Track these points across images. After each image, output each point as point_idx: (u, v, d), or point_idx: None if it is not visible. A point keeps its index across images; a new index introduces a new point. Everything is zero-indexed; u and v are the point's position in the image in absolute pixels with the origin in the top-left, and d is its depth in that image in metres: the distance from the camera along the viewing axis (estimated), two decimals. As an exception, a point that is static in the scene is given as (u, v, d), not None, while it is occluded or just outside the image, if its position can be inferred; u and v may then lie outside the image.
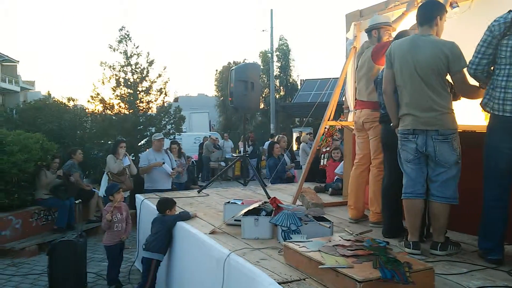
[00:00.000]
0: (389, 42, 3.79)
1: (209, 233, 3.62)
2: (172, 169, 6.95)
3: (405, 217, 3.18)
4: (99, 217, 7.00)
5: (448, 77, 3.00)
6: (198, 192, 5.95)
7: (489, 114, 2.87)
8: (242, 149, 15.18)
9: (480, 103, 2.87)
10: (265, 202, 3.83)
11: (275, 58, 28.44)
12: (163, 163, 6.75)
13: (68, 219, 7.04)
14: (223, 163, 14.45)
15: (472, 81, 3.00)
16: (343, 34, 5.23)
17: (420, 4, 3.20)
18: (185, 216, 4.24)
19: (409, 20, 3.88)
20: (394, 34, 3.87)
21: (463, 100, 3.19)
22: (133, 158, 8.67)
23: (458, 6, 3.48)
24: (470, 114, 3.20)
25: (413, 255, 2.92)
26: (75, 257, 4.73)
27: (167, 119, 10.90)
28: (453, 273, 2.62)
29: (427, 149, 2.99)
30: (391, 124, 3.28)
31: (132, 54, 10.59)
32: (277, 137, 10.44)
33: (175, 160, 7.49)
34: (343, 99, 5.40)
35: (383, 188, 3.70)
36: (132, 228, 5.25)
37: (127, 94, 10.42)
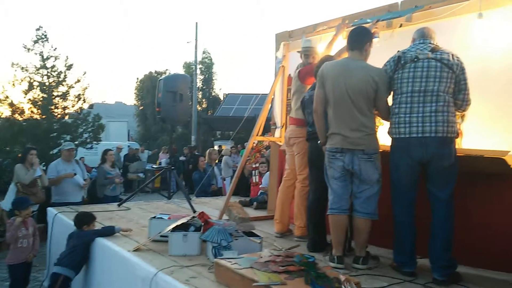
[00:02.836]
0: (316, 64, 4.00)
1: (133, 250, 3.45)
2: (84, 180, 6.50)
3: (331, 232, 3.31)
4: (3, 231, 6.31)
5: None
6: (118, 205, 5.66)
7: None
8: (163, 160, 14.84)
9: (387, 132, 3.15)
10: (194, 217, 3.74)
11: (198, 71, 28.36)
12: (75, 174, 6.30)
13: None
14: (142, 175, 13.92)
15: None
16: (269, 52, 5.40)
17: (351, 30, 3.40)
18: (108, 232, 3.98)
19: (339, 43, 4.11)
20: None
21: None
22: (44, 168, 8.00)
23: (378, 37, 3.77)
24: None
25: (337, 269, 3.04)
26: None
27: (84, 127, 10.26)
28: (375, 287, 2.77)
29: (353, 167, 3.15)
30: (319, 142, 3.41)
31: (49, 56, 9.87)
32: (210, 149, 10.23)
33: (109, 171, 7.03)
34: (271, 115, 5.52)
35: (308, 203, 3.82)
36: (41, 244, 4.81)
37: (41, 99, 9.65)
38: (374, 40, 3.70)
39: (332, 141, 3.24)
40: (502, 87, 3.13)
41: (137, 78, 32.31)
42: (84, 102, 10.45)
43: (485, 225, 3.14)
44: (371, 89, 3.10)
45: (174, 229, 3.45)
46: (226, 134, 21.77)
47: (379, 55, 3.52)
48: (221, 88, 32.36)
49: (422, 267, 3.08)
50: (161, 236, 3.58)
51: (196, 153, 14.28)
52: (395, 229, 3.12)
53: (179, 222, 3.54)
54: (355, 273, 3.05)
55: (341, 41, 4.05)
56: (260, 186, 6.06)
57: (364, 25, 3.70)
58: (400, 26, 3.75)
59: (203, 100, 31.23)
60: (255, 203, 5.80)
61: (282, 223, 4.25)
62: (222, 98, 28.87)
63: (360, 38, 3.25)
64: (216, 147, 17.95)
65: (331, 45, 4.12)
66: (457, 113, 3.26)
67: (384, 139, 3.35)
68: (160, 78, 5.47)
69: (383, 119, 3.37)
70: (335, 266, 3.12)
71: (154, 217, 3.95)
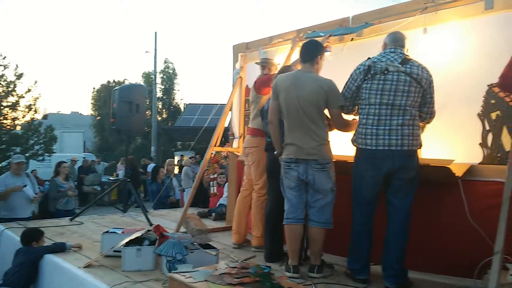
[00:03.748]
0: (270, 75, 4.06)
1: (84, 267, 3.33)
2: (35, 193, 6.20)
3: (286, 241, 3.33)
4: None
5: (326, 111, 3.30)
6: (71, 220, 5.45)
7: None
8: (120, 172, 14.43)
9: (351, 139, 3.20)
10: (149, 231, 3.66)
11: (159, 80, 28.00)
12: (25, 185, 5.99)
13: None
14: (98, 187, 13.48)
15: (346, 116, 3.34)
16: (227, 62, 5.41)
17: (303, 43, 3.48)
18: (58, 248, 3.81)
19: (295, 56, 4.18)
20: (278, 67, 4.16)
21: (337, 132, 3.51)
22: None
23: (330, 52, 3.87)
24: (342, 145, 3.53)
25: (293, 278, 3.07)
26: None
27: (35, 139, 9.84)
28: (329, 295, 2.81)
29: (307, 177, 3.20)
30: (275, 152, 3.45)
31: (-3, 65, 9.46)
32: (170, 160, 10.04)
33: (62, 184, 6.73)
34: (229, 125, 5.53)
35: (266, 213, 3.84)
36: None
37: (-12, 109, 9.21)
38: (326, 54, 3.81)
39: (287, 152, 3.28)
40: (447, 99, 3.28)
41: (94, 88, 31.52)
42: (36, 112, 10.04)
43: (433, 231, 3.26)
44: (321, 99, 3.16)
45: (128, 244, 3.36)
46: (187, 144, 21.52)
47: (331, 67, 3.63)
48: (182, 98, 31.93)
49: (375, 274, 3.15)
50: (114, 251, 3.47)
51: (155, 164, 13.94)
52: (352, 237, 3.18)
53: (133, 236, 3.45)
54: (310, 282, 3.08)
55: (297, 54, 4.13)
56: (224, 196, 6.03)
57: (316, 38, 3.80)
58: (352, 40, 3.88)
59: (164, 110, 30.80)
60: (213, 214, 5.75)
61: (240, 234, 4.24)
62: (183, 109, 28.59)
63: (311, 52, 3.31)
64: (177, 158, 17.74)
65: (289, 59, 4.20)
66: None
67: (337, 149, 3.43)
68: (115, 88, 5.34)
69: (336, 129, 3.43)
70: (291, 275, 3.14)
71: (107, 232, 3.83)
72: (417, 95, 2.96)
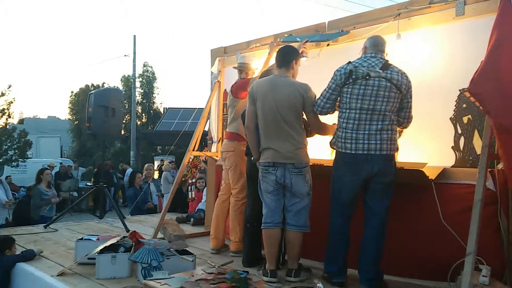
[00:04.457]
0: (247, 80, 4.06)
1: (57, 275, 3.25)
2: (8, 199, 6.05)
3: (264, 246, 3.32)
4: None
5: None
6: (45, 227, 5.32)
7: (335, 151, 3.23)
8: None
9: (329, 142, 3.22)
10: (124, 237, 3.60)
11: (138, 84, 27.68)
12: None
13: None
14: (75, 193, 13.20)
15: (325, 119, 3.36)
16: (207, 67, 5.38)
17: (279, 49, 3.50)
18: (29, 256, 3.72)
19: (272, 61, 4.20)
20: (257, 72, 4.17)
21: (315, 136, 3.53)
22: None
23: (306, 57, 3.91)
24: (318, 149, 3.55)
25: (271, 283, 3.06)
26: None
27: (9, 144, 9.59)
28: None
29: (285, 181, 3.21)
30: (252, 158, 3.44)
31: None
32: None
33: (45, 191, 6.56)
34: (208, 130, 5.50)
35: (245, 218, 3.82)
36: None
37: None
38: (303, 59, 3.84)
39: (264, 156, 3.29)
40: (420, 104, 3.33)
41: (72, 92, 30.91)
42: (9, 117, 9.78)
43: (408, 234, 3.29)
44: (299, 103, 3.18)
45: (103, 251, 3.30)
46: (168, 149, 21.30)
47: (308, 72, 3.66)
48: (162, 103, 31.58)
49: (352, 277, 3.17)
50: (89, 258, 3.40)
51: (133, 169, 13.77)
52: (329, 239, 3.19)
53: (108, 243, 3.39)
54: (288, 286, 3.08)
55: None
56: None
57: (293, 43, 3.83)
58: (327, 45, 3.92)
59: (143, 114, 30.45)
60: (192, 219, 5.71)
61: (218, 239, 4.21)
62: (163, 113, 28.30)
63: (286, 57, 3.33)
64: (157, 163, 17.53)
65: (267, 63, 4.21)
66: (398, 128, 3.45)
67: (314, 153, 3.45)
68: (91, 92, 5.25)
69: (315, 133, 3.45)
70: (268, 280, 3.13)
71: (81, 239, 3.75)
72: (396, 100, 3.00)
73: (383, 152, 2.96)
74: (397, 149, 3.07)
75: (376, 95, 2.95)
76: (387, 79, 2.95)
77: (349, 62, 3.08)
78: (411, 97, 3.06)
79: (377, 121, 2.97)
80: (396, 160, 3.14)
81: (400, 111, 3.06)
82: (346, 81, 3.03)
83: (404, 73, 3.03)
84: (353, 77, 3.01)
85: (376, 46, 3.10)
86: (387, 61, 3.07)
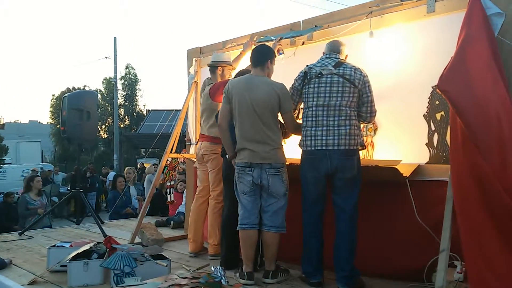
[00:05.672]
0: (226, 81, 3.99)
1: (28, 284, 3.16)
2: None
3: (241, 247, 3.28)
4: None
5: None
6: (20, 234, 5.18)
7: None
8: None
9: (298, 144, 3.22)
10: (98, 243, 3.51)
11: (120, 86, 27.40)
12: None
13: None
14: (55, 199, 12.96)
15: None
16: (185, 68, 5.31)
17: (254, 48, 3.47)
18: (0, 265, 3.60)
19: (246, 59, 4.15)
20: (234, 73, 4.09)
21: (291, 137, 3.50)
22: None
23: (283, 54, 3.89)
24: (295, 148, 3.52)
25: (247, 285, 3.02)
26: None
27: (-15, 150, 9.35)
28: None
29: (262, 181, 3.18)
30: (227, 156, 3.40)
31: None
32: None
33: (34, 200, 6.36)
34: (186, 131, 5.43)
35: (223, 219, 3.77)
36: None
37: None
38: (280, 56, 3.83)
39: (240, 156, 3.25)
40: (394, 101, 3.34)
41: (53, 95, 30.44)
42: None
43: (383, 233, 3.28)
44: (275, 102, 3.18)
45: (75, 258, 3.21)
46: (151, 151, 21.11)
47: (284, 70, 3.63)
48: (145, 105, 31.31)
49: (329, 277, 3.14)
50: (62, 266, 3.31)
51: (115, 173, 13.59)
52: (303, 240, 3.18)
53: (80, 250, 3.31)
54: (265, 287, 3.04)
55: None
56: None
57: (268, 42, 3.80)
58: (303, 44, 3.89)
59: (126, 117, 30.13)
60: (172, 222, 5.63)
61: (196, 242, 4.15)
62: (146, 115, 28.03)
63: (262, 56, 3.32)
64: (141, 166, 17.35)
65: (238, 60, 4.16)
66: (370, 126, 3.45)
67: (291, 153, 3.42)
68: (65, 95, 5.14)
69: (291, 133, 3.43)
70: (245, 282, 3.09)
71: (54, 246, 3.66)
72: (352, 95, 3.05)
73: (341, 148, 2.99)
74: (360, 145, 3.11)
75: (330, 91, 3.04)
76: (339, 75, 3.05)
77: (306, 66, 3.21)
78: (370, 92, 3.09)
79: (334, 117, 3.03)
80: (371, 157, 3.14)
81: (361, 106, 3.11)
82: (303, 83, 3.18)
83: (359, 68, 3.09)
84: (308, 77, 3.15)
85: (331, 49, 3.23)
86: (342, 59, 3.16)
